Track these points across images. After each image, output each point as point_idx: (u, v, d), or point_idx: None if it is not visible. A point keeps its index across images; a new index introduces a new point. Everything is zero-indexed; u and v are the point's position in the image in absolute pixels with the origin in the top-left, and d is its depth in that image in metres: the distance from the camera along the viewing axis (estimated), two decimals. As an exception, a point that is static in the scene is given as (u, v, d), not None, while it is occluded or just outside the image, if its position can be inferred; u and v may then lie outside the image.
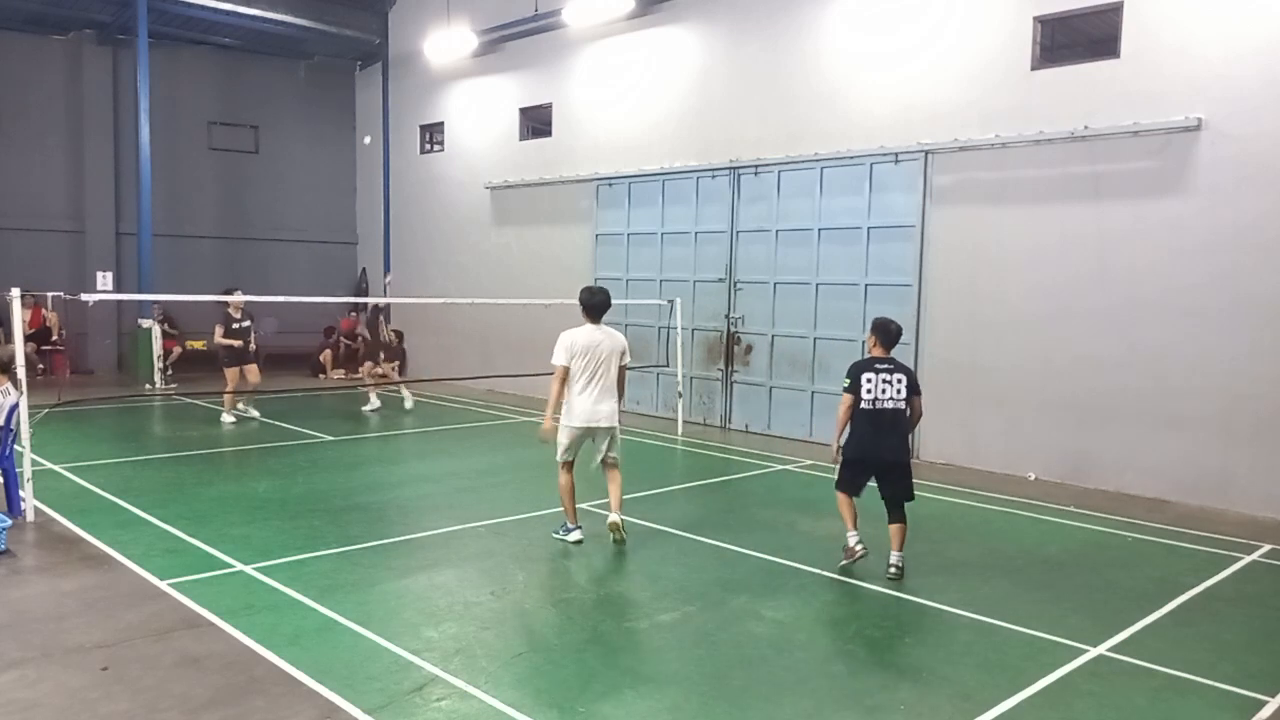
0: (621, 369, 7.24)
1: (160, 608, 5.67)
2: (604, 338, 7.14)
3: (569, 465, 7.28)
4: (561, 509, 7.43)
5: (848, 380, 6.71)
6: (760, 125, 12.94)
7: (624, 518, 7.35)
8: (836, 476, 6.94)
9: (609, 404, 7.14)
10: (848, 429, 6.80)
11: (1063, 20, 10.34)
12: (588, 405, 7.07)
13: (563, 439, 7.18)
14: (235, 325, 12.91)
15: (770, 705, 4.60)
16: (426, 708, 4.47)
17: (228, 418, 12.82)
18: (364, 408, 14.34)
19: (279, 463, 10.35)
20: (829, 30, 12.17)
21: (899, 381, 6.66)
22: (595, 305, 7.17)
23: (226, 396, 12.87)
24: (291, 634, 5.31)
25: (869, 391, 6.64)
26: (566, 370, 7.04)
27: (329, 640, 5.25)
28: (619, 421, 7.28)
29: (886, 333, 6.81)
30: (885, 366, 6.70)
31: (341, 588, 6.12)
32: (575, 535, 7.29)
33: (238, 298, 12.76)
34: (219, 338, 12.99)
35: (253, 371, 13.01)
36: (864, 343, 12.35)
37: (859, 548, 6.70)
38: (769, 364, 12.97)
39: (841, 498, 6.88)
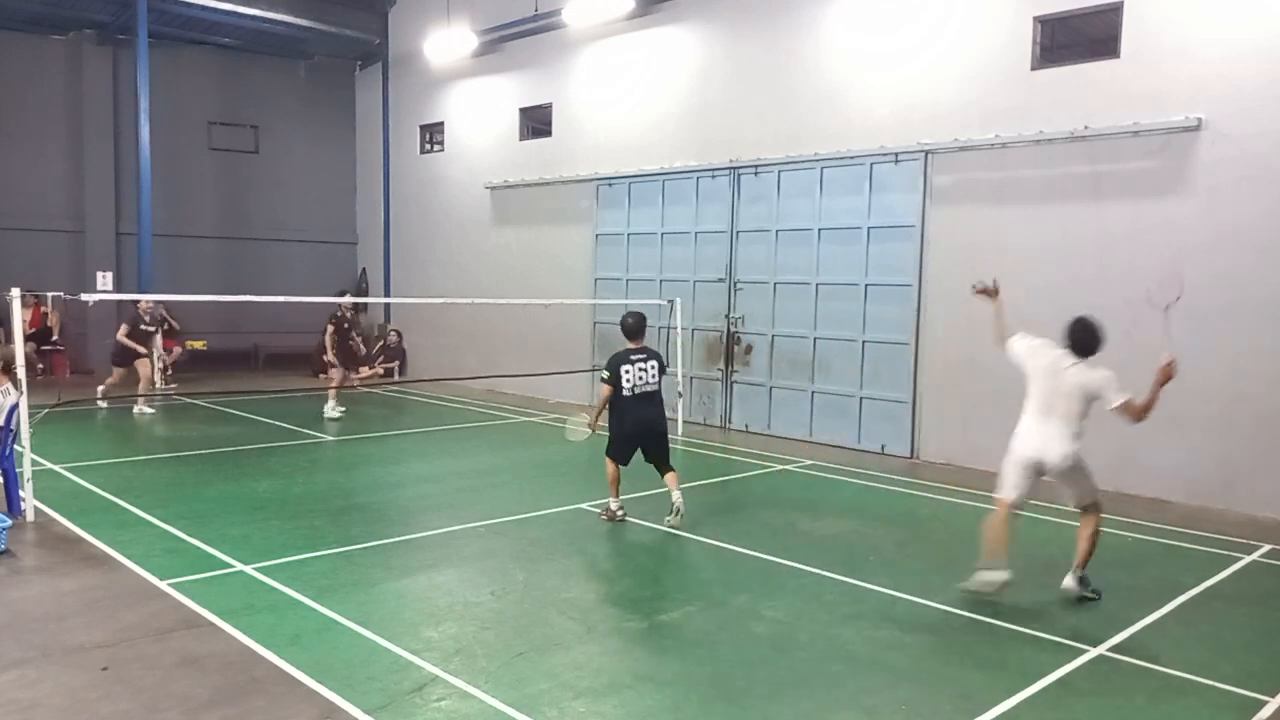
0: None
1: (160, 608, 5.68)
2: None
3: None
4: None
5: (607, 373, 7.69)
6: (760, 125, 12.93)
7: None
8: (610, 446, 7.88)
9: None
10: (610, 412, 7.80)
11: (1063, 20, 10.34)
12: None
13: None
14: (141, 328, 13.51)
15: (770, 705, 4.60)
16: (426, 708, 4.47)
17: (102, 403, 13.37)
18: (339, 411, 13.98)
19: (279, 463, 10.35)
20: (829, 30, 12.16)
21: (653, 367, 7.83)
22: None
23: (100, 387, 13.25)
24: (291, 634, 5.31)
25: (628, 380, 7.65)
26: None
27: (329, 640, 5.25)
28: None
29: (636, 329, 7.85)
30: (639, 356, 7.78)
31: (341, 588, 6.13)
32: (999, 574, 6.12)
33: (148, 299, 13.68)
34: (121, 335, 13.47)
35: (144, 365, 13.62)
36: (862, 343, 12.31)
37: (620, 512, 7.87)
38: (769, 364, 12.96)
39: (614, 466, 7.85)
